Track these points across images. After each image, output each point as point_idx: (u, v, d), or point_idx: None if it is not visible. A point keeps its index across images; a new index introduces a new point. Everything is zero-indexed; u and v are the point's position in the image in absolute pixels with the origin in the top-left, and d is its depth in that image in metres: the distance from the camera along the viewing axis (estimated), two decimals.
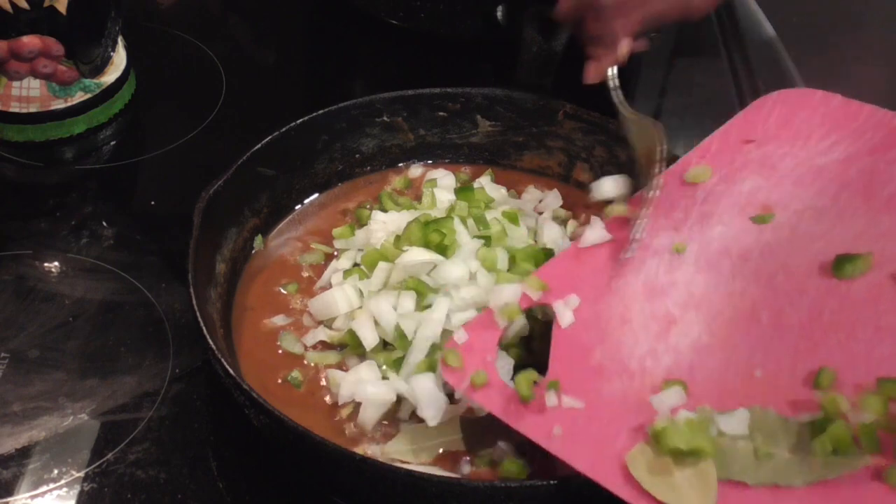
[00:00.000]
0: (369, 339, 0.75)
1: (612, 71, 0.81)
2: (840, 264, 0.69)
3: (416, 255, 0.77)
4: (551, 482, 0.63)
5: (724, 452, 0.61)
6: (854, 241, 0.71)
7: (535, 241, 0.83)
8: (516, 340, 0.75)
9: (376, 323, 0.75)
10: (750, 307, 0.70)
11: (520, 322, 0.73)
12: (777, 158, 0.78)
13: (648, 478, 0.60)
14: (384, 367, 0.74)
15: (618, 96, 0.81)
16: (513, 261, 0.79)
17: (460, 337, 0.72)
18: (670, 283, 0.72)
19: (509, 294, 0.74)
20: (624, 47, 0.80)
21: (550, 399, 0.66)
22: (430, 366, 0.72)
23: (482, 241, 0.80)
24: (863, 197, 0.73)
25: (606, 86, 0.82)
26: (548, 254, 0.80)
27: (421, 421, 0.71)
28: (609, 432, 0.64)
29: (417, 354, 0.73)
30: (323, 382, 0.76)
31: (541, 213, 0.87)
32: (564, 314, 0.71)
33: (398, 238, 0.80)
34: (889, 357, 0.63)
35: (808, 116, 0.80)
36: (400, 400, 0.72)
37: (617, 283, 0.73)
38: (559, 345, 0.70)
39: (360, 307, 0.78)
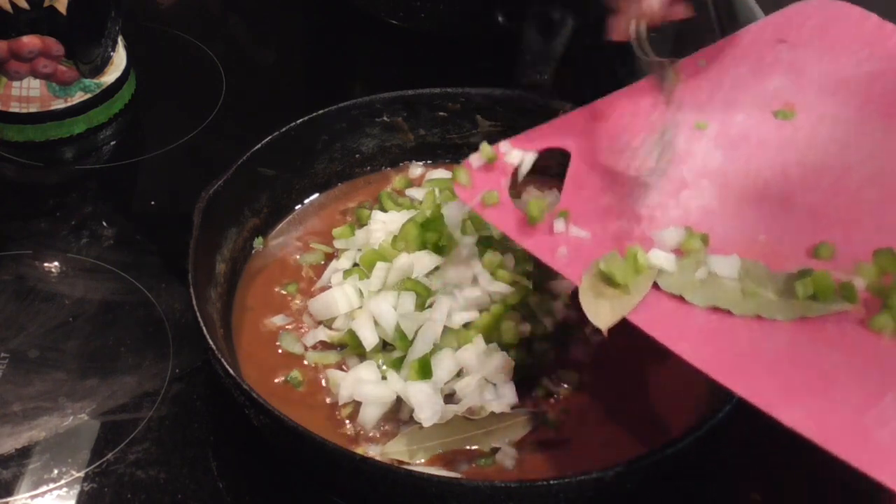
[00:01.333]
0: (369, 339, 0.75)
1: (638, 25, 0.74)
2: None
3: (424, 262, 0.77)
4: (551, 482, 0.63)
5: (711, 286, 0.66)
6: (868, 154, 0.74)
7: None
8: (517, 341, 0.75)
9: (376, 323, 0.75)
10: (762, 186, 0.74)
11: (530, 159, 0.78)
12: (806, 64, 0.81)
13: (588, 285, 0.67)
14: (384, 367, 0.74)
15: (642, 48, 0.75)
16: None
17: (475, 161, 0.77)
18: (687, 152, 0.76)
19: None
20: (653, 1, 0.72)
21: (559, 225, 0.72)
22: (425, 372, 0.72)
23: (476, 238, 0.80)
24: (882, 115, 0.76)
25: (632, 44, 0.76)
26: None
27: None
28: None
29: (417, 355, 0.73)
30: (323, 382, 0.76)
31: None
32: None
33: (395, 238, 0.80)
34: (888, 246, 0.67)
35: (843, 31, 0.83)
36: (400, 400, 0.72)
37: (636, 143, 0.77)
38: (573, 181, 0.75)
39: (360, 307, 0.78)
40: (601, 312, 0.66)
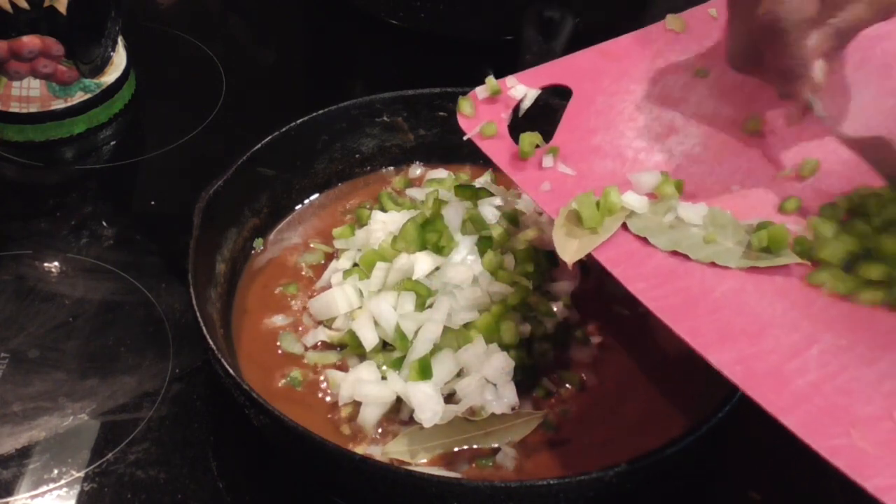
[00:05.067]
0: (369, 339, 0.75)
1: (816, 102, 0.69)
2: None
3: (424, 262, 0.77)
4: (551, 482, 0.63)
5: (675, 230, 0.69)
6: (857, 110, 0.75)
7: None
8: (517, 342, 0.75)
9: (376, 323, 0.75)
10: (746, 138, 0.76)
11: (533, 94, 0.80)
12: None
13: (562, 221, 0.71)
14: (384, 367, 0.74)
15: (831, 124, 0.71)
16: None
17: (480, 93, 0.80)
18: (682, 98, 0.78)
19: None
20: (818, 70, 0.66)
21: (547, 161, 0.75)
22: (425, 373, 0.72)
23: (476, 238, 0.80)
24: (878, 77, 0.77)
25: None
26: (549, 256, 0.80)
27: None
28: None
29: (418, 355, 0.73)
30: (323, 382, 0.76)
31: (541, 213, 0.87)
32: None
33: (395, 238, 0.80)
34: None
35: None
36: (400, 400, 0.72)
37: (634, 86, 0.79)
38: (568, 121, 0.78)
39: (360, 307, 0.78)
40: (569, 248, 0.69)
